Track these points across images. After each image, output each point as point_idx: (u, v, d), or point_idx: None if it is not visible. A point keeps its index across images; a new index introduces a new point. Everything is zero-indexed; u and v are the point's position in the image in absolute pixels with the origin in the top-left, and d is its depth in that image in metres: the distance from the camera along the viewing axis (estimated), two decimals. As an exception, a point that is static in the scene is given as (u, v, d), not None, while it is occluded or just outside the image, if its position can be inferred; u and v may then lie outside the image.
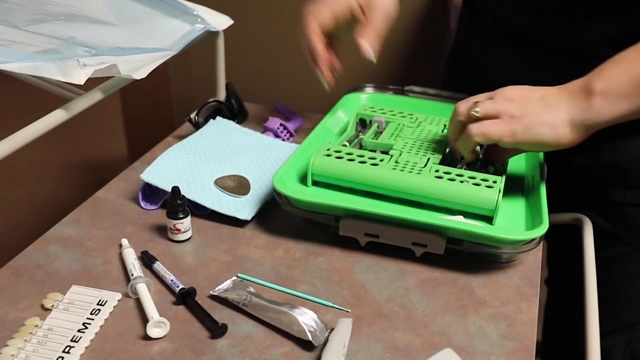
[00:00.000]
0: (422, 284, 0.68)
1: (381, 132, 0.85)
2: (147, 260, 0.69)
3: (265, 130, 0.97)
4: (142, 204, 0.79)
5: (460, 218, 0.70)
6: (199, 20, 0.93)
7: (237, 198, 0.78)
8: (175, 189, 0.71)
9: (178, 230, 0.72)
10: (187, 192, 0.75)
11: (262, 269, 0.69)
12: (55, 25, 0.87)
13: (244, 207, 0.77)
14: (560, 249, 0.98)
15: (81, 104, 0.76)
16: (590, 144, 0.70)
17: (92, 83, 0.74)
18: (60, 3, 0.89)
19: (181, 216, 0.71)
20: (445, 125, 0.87)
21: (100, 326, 0.60)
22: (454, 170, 0.73)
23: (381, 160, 0.75)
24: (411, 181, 0.72)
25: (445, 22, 1.52)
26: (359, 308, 0.64)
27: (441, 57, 1.12)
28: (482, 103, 0.69)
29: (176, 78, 2.03)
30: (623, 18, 0.74)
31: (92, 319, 0.60)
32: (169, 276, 0.66)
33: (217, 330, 0.59)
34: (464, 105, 0.71)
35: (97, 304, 0.62)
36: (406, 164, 0.74)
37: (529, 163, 0.84)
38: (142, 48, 0.85)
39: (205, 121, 0.95)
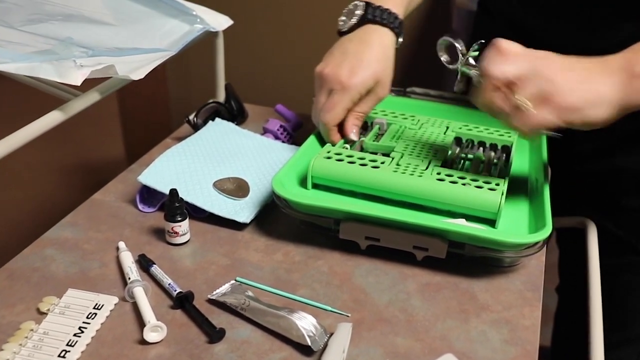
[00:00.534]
0: (423, 288, 0.67)
1: (382, 134, 0.85)
2: (144, 263, 0.68)
3: (265, 131, 0.96)
4: (140, 206, 0.78)
5: (462, 221, 0.69)
6: (198, 20, 0.93)
7: (236, 201, 0.77)
8: (173, 192, 0.70)
9: (176, 233, 0.71)
10: (186, 195, 0.74)
11: (261, 272, 0.68)
12: (53, 25, 0.86)
13: (242, 210, 0.76)
14: (571, 256, 0.97)
15: (78, 105, 0.75)
16: (601, 149, 0.69)
17: (89, 84, 0.74)
18: (58, 3, 0.89)
19: (179, 219, 0.71)
20: (447, 127, 0.87)
21: (97, 330, 0.59)
22: (456, 173, 0.72)
23: (382, 163, 0.74)
24: (412, 184, 0.71)
25: (448, 22, 1.52)
26: (359, 312, 0.63)
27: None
28: (522, 89, 0.63)
29: (175, 79, 2.02)
30: (638, 23, 0.74)
31: (89, 323, 0.59)
32: (167, 280, 0.65)
33: (214, 334, 0.59)
34: (498, 70, 0.64)
35: (94, 308, 0.61)
36: (407, 167, 0.74)
37: (533, 165, 0.83)
38: (140, 48, 0.84)
39: (204, 123, 0.94)
